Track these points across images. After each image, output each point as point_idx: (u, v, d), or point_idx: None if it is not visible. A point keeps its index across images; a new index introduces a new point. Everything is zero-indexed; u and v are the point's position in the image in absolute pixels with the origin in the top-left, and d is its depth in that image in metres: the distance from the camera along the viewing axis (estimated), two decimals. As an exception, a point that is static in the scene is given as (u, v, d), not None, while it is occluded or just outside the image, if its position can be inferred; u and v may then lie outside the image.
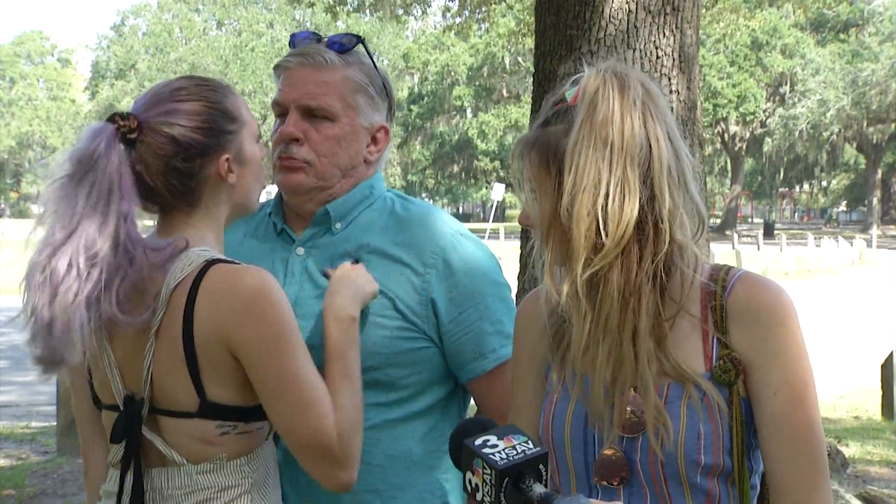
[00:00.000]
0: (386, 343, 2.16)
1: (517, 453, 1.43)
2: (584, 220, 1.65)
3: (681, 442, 1.67)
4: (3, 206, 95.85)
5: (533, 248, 1.82)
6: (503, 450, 1.44)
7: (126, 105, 63.01)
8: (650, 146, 1.66)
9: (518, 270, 5.16)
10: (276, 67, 2.28)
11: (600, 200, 1.64)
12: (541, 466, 1.44)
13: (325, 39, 2.29)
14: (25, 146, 76.08)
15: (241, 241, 2.33)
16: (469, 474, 1.45)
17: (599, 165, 1.64)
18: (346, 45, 2.27)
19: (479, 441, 1.46)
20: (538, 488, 1.41)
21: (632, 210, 1.64)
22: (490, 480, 1.41)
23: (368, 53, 2.32)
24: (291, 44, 2.33)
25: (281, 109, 2.25)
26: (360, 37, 2.31)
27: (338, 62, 2.23)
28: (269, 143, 2.34)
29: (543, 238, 1.73)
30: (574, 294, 1.68)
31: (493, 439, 1.46)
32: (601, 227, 1.64)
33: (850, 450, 8.07)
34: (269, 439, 2.02)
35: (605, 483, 1.73)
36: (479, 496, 1.44)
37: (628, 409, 1.71)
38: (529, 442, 1.46)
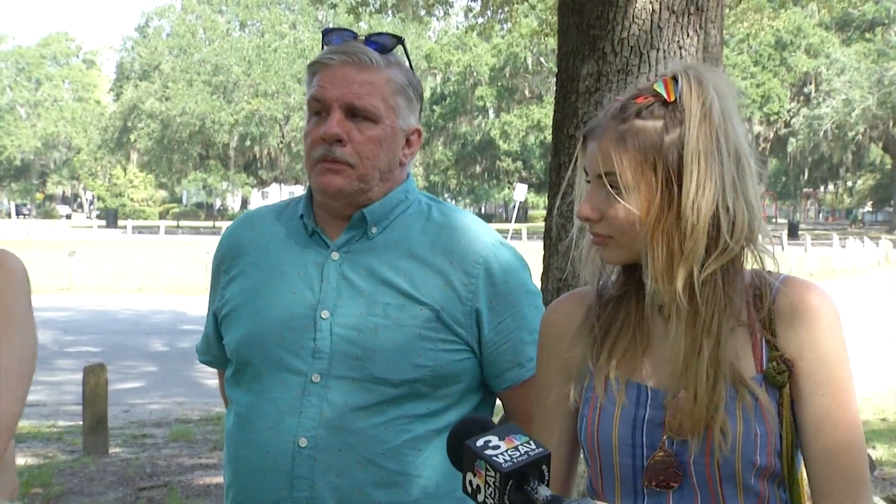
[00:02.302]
0: (430, 356, 2.13)
1: (520, 454, 1.41)
2: (709, 219, 1.66)
3: (738, 443, 1.68)
4: (29, 206, 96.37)
5: (572, 244, 1.82)
6: (506, 451, 1.41)
7: (150, 106, 63.56)
8: (742, 149, 1.71)
9: (541, 271, 5.16)
10: (314, 64, 2.20)
11: (723, 200, 1.67)
12: (544, 467, 1.42)
13: (361, 38, 2.24)
14: (51, 147, 76.44)
15: (269, 240, 2.28)
16: (470, 475, 1.43)
17: (721, 166, 1.67)
18: (387, 45, 2.22)
19: (480, 442, 1.43)
20: (543, 490, 1.39)
21: (745, 210, 1.69)
22: (493, 483, 1.39)
23: (407, 55, 2.28)
24: (325, 40, 2.26)
25: (320, 107, 2.16)
26: (400, 38, 2.26)
27: (381, 62, 2.18)
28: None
29: (649, 235, 1.69)
30: (687, 293, 1.68)
31: (494, 440, 1.43)
32: (724, 226, 1.67)
33: (878, 452, 8.01)
34: None
35: (656, 487, 1.73)
36: (480, 497, 1.42)
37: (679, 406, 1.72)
38: (531, 442, 1.43)
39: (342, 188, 2.16)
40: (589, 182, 1.76)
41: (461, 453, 1.45)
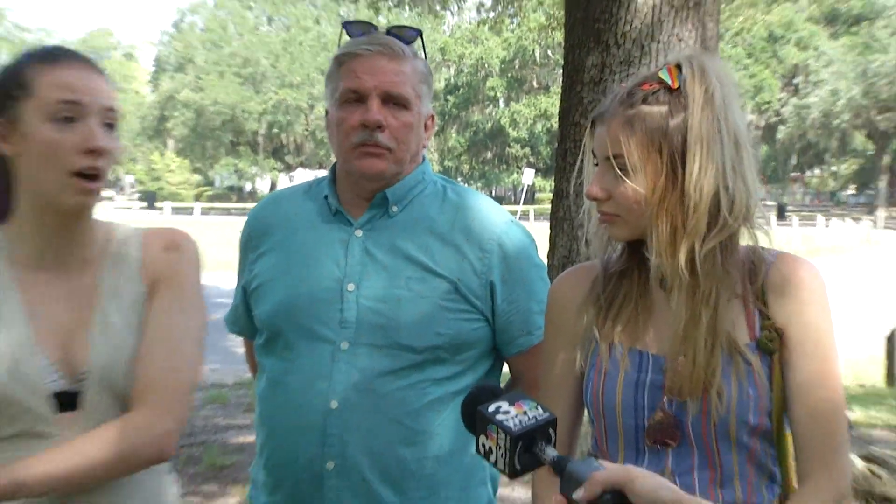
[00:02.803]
0: (451, 325, 2.15)
1: (529, 419, 1.41)
2: (710, 198, 1.67)
3: (733, 404, 1.70)
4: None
5: (578, 224, 1.82)
6: (515, 416, 1.41)
7: (185, 96, 63.52)
8: (741, 133, 1.72)
9: (548, 249, 5.17)
10: (345, 54, 2.18)
11: (723, 181, 1.68)
12: (551, 430, 1.42)
13: (382, 30, 2.24)
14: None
15: (295, 219, 2.29)
16: (482, 438, 1.43)
17: (722, 148, 1.68)
18: (409, 37, 2.23)
19: (492, 408, 1.43)
20: (551, 451, 1.40)
21: (743, 190, 1.70)
22: (504, 445, 1.39)
23: (423, 46, 2.29)
24: (347, 31, 2.27)
25: (357, 95, 2.14)
26: (419, 30, 2.26)
27: (409, 53, 2.19)
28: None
29: (654, 213, 1.70)
30: (688, 267, 1.69)
31: (504, 405, 1.43)
32: (724, 205, 1.68)
33: (855, 414, 8.03)
34: None
35: (657, 445, 1.75)
36: (492, 458, 1.42)
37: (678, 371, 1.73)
38: (539, 407, 1.43)
39: (383, 171, 2.17)
40: (597, 165, 1.76)
41: (474, 418, 1.45)
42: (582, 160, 1.85)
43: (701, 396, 1.71)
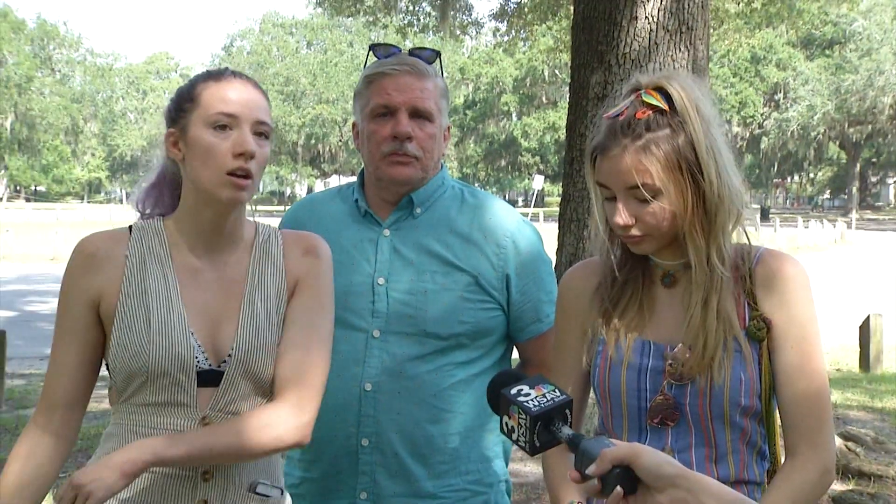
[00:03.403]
0: (471, 314, 2.16)
1: (547, 400, 1.40)
2: (729, 199, 1.67)
3: (727, 387, 1.68)
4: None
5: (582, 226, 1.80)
6: (535, 398, 1.40)
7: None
8: (725, 139, 1.72)
9: (556, 247, 5.15)
10: (375, 74, 2.19)
11: (732, 181, 1.68)
12: (567, 411, 1.41)
13: (405, 52, 2.25)
14: (154, 146, 76.15)
15: (328, 220, 2.28)
16: (506, 418, 1.43)
17: (723, 153, 1.69)
18: (430, 58, 2.24)
19: (514, 390, 1.42)
20: (566, 430, 1.39)
21: (737, 189, 1.70)
22: (525, 424, 1.38)
23: (441, 66, 2.29)
24: (374, 53, 2.28)
25: (388, 110, 2.15)
26: (438, 52, 2.28)
27: (431, 72, 2.20)
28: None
29: (689, 225, 1.67)
30: (719, 260, 1.69)
31: (525, 388, 1.43)
32: (737, 204, 1.69)
33: (833, 396, 7.97)
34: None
35: (658, 425, 1.73)
36: (514, 436, 1.42)
37: (677, 357, 1.72)
38: (557, 390, 1.42)
39: (411, 176, 2.18)
40: (609, 198, 1.71)
41: (499, 400, 1.44)
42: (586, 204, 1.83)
43: (698, 380, 1.69)
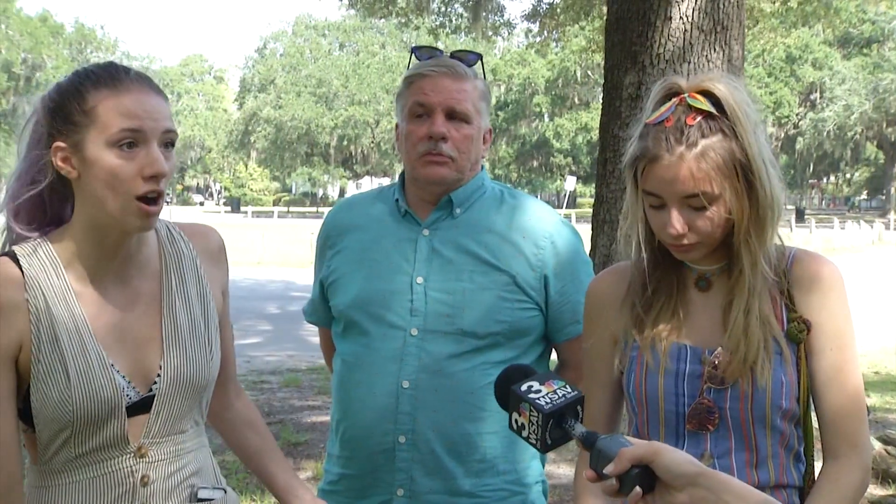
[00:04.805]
0: (509, 314, 2.16)
1: (559, 397, 1.36)
2: (778, 202, 1.67)
3: (768, 390, 1.66)
4: (170, 195, 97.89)
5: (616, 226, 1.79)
6: (546, 394, 1.36)
7: (266, 113, 64.27)
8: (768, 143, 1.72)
9: (589, 248, 5.12)
10: (414, 75, 2.21)
11: (777, 183, 1.67)
12: (579, 407, 1.37)
13: (447, 54, 2.25)
14: (188, 147, 77.66)
15: (368, 221, 2.29)
16: (515, 415, 1.38)
17: (769, 154, 1.68)
18: (471, 61, 2.25)
19: (524, 387, 1.38)
20: (579, 427, 1.35)
21: (779, 193, 1.69)
22: (536, 421, 1.35)
23: (483, 69, 2.29)
24: (416, 55, 2.29)
25: (423, 110, 2.17)
26: (480, 55, 2.28)
27: (470, 73, 2.21)
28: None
29: (745, 231, 1.65)
30: (766, 263, 1.68)
31: (535, 384, 1.39)
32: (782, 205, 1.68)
33: (872, 399, 7.85)
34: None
35: (697, 430, 1.71)
36: (524, 434, 1.37)
37: (716, 362, 1.71)
38: (567, 386, 1.38)
39: (445, 177, 2.18)
40: (657, 206, 1.67)
41: (507, 397, 1.41)
42: (622, 171, 1.80)
43: (739, 383, 1.67)
